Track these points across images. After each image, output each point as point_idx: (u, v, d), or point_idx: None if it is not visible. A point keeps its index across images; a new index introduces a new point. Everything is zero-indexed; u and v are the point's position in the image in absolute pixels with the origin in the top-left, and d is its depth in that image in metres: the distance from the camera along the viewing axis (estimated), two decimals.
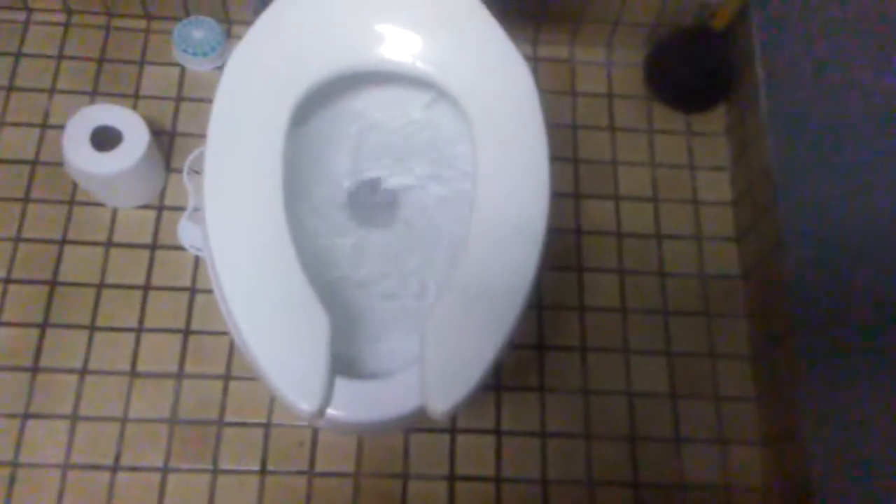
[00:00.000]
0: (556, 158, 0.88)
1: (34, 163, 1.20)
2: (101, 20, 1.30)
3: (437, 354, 0.77)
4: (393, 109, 1.02)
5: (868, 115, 0.97)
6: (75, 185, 1.19)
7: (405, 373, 0.78)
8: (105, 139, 1.11)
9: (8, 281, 1.13)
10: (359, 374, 0.85)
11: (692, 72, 1.30)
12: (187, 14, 1.29)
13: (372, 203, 1.02)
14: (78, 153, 1.10)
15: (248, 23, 1.10)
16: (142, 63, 1.28)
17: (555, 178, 0.86)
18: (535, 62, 1.34)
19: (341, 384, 0.76)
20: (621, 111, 1.33)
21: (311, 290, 0.79)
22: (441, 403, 0.75)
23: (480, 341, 0.78)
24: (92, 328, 1.12)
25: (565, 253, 1.23)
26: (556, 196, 0.87)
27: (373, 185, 1.03)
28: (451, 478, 1.08)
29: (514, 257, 0.83)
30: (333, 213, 1.00)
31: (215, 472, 1.06)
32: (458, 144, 1.00)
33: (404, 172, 1.03)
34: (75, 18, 1.30)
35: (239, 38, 1.16)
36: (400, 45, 0.91)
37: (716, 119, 1.34)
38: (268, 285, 0.79)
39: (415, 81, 0.94)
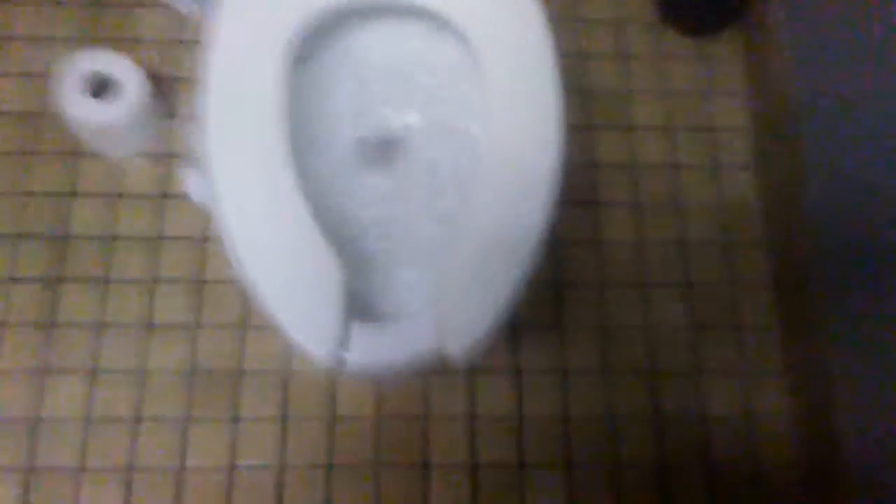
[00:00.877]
0: (564, 89, 0.85)
1: (30, 114, 1.18)
2: None
3: (452, 296, 0.76)
4: (395, 45, 0.99)
5: (892, 30, 0.93)
6: (76, 137, 1.17)
7: (421, 315, 0.77)
8: (101, 87, 1.08)
9: (18, 236, 1.12)
10: (374, 317, 0.84)
11: None
12: None
13: (376, 144, 1.00)
14: (75, 103, 1.07)
15: None
16: (132, 6, 1.24)
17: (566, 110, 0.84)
18: None
19: (357, 329, 0.75)
20: (630, 37, 1.29)
21: (322, 236, 0.77)
22: (458, 345, 0.74)
23: (495, 281, 0.77)
24: (105, 281, 1.11)
25: (579, 187, 1.20)
26: (567, 129, 0.84)
27: (377, 127, 1.00)
28: (472, 417, 1.08)
29: (527, 195, 0.81)
30: (337, 155, 0.98)
31: (236, 420, 1.06)
32: (462, 79, 0.97)
33: (408, 111, 1.00)
34: None
35: None
36: None
37: (729, 42, 1.29)
38: (277, 234, 0.78)
39: (416, 12, 0.90)
